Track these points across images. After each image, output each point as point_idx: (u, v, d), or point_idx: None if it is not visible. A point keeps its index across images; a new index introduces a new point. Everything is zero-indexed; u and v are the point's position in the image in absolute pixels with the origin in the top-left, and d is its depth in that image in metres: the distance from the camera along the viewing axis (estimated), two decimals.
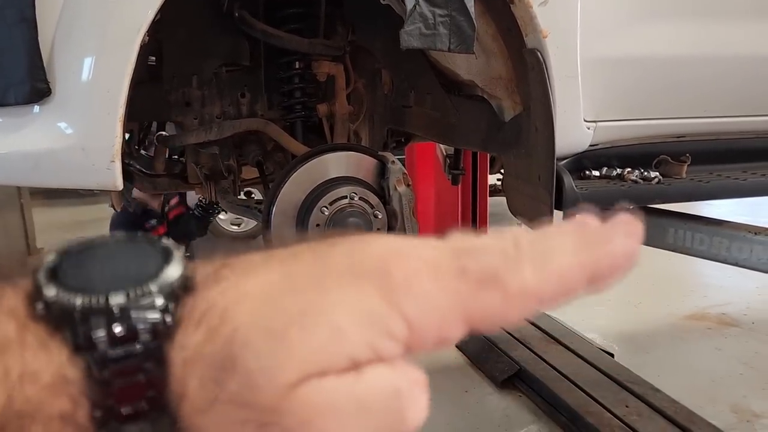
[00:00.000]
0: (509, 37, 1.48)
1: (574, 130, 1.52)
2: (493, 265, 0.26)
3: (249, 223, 5.39)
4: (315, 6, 1.65)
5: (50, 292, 0.25)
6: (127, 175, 1.71)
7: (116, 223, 2.91)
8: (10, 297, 0.26)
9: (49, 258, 0.27)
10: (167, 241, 0.28)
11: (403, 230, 1.58)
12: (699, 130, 1.71)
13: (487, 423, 2.77)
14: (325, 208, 1.49)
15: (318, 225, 1.50)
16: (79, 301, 0.24)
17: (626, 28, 1.54)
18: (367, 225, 1.53)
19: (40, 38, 1.14)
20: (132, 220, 2.89)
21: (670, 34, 1.59)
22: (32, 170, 1.22)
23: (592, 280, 0.28)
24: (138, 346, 0.24)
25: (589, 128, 1.54)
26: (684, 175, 1.64)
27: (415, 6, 1.25)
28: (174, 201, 2.95)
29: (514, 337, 3.31)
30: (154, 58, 1.68)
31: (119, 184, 1.25)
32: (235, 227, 5.39)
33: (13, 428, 0.23)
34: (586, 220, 0.30)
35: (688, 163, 1.64)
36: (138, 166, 1.75)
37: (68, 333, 0.24)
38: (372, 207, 1.55)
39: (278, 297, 0.25)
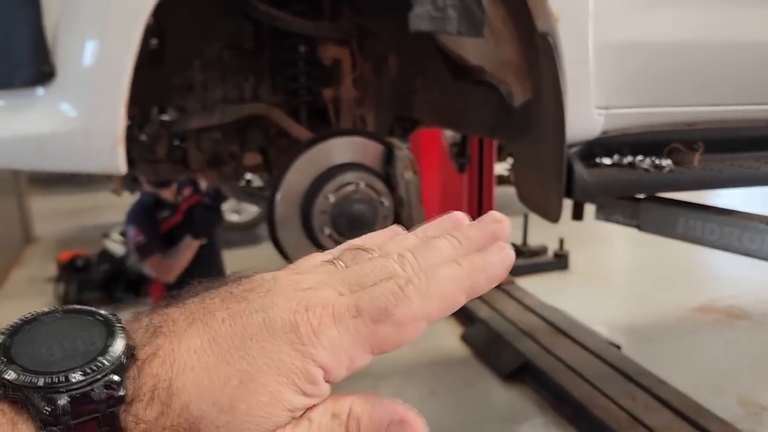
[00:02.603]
0: (519, 21, 1.45)
1: (585, 116, 1.49)
2: (383, 299, 0.31)
3: (249, 212, 5.39)
4: None
5: (10, 375, 0.27)
6: (129, 160, 1.69)
7: (131, 214, 2.92)
8: None
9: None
10: (105, 312, 0.31)
11: (410, 218, 1.56)
12: (712, 118, 1.68)
13: (493, 416, 2.75)
14: (330, 195, 1.47)
15: (323, 212, 1.47)
16: (41, 381, 0.27)
17: (640, 13, 1.51)
18: (373, 212, 1.51)
19: (44, 21, 1.12)
20: (146, 210, 2.90)
21: (684, 19, 1.55)
22: (35, 154, 1.20)
23: (470, 295, 0.33)
24: (98, 416, 0.28)
25: (600, 115, 1.51)
26: (696, 164, 1.61)
27: None
28: (187, 192, 2.90)
29: (520, 330, 3.29)
30: (156, 41, 1.66)
31: (122, 168, 1.23)
32: (236, 215, 5.39)
33: None
34: (459, 219, 0.36)
35: (701, 151, 1.61)
36: (139, 151, 1.73)
37: (34, 411, 0.27)
38: (378, 194, 1.52)
39: (214, 367, 0.29)
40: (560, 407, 2.70)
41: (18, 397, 0.27)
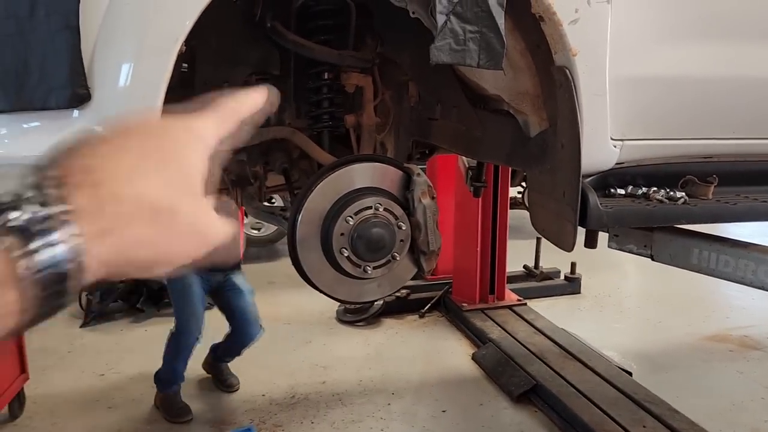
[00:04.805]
0: (538, 54, 1.48)
1: (601, 148, 1.51)
2: None
3: (269, 228, 5.45)
4: (346, 18, 1.67)
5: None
6: None
7: None
8: None
9: None
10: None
11: (426, 242, 1.59)
12: (727, 151, 1.70)
13: None
14: (350, 218, 1.51)
15: (342, 234, 1.51)
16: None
17: (656, 48, 1.54)
18: (390, 235, 1.54)
19: (82, 44, 1.17)
20: None
21: (699, 54, 1.58)
22: None
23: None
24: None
25: (615, 146, 1.54)
26: (710, 197, 1.63)
27: (446, 22, 1.27)
28: None
29: (532, 352, 3.30)
30: (187, 65, 1.71)
31: None
32: (256, 232, 5.47)
33: None
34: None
35: (715, 184, 1.63)
36: None
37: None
38: (396, 218, 1.56)
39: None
40: (569, 431, 2.70)
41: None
